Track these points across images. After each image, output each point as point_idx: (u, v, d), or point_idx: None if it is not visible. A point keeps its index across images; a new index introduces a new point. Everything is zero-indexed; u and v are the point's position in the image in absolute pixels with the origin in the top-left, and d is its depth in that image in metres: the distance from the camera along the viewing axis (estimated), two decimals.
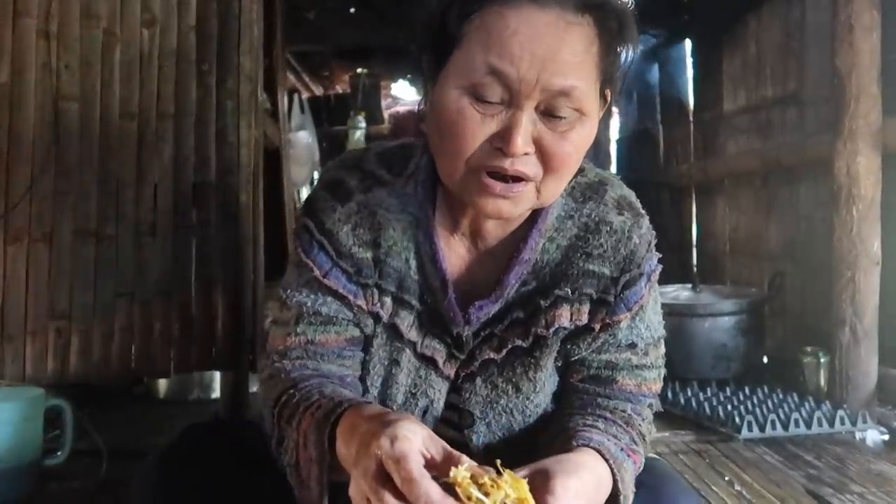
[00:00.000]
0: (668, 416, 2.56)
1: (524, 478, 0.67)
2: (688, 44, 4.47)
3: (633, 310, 0.89)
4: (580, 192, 0.91)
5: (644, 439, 0.91)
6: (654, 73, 4.85)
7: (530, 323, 0.89)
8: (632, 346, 0.92)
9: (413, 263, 0.89)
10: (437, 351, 0.90)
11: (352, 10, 4.46)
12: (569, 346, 0.91)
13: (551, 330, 0.88)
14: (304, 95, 5.60)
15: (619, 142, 5.47)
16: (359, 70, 6.10)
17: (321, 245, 0.88)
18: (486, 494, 0.63)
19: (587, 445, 0.79)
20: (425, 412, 0.92)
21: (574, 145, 0.77)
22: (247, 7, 2.24)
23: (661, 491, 0.86)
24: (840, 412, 2.43)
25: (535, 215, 0.88)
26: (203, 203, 2.17)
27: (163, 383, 2.84)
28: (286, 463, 0.80)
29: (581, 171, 0.92)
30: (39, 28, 2.09)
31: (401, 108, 7.28)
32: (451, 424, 0.94)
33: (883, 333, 2.58)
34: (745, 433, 2.36)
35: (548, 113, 0.75)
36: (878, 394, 2.58)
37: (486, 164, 0.77)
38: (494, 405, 0.92)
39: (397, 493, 0.62)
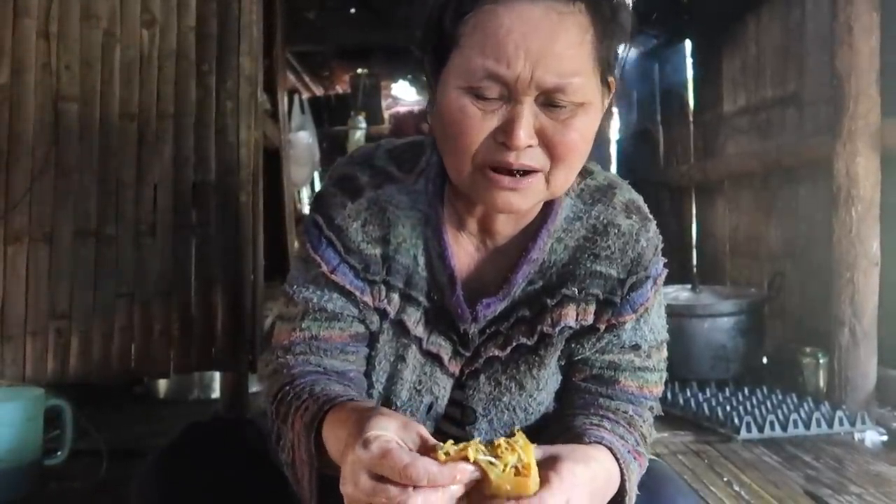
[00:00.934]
0: (667, 417, 2.56)
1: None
2: (688, 44, 4.47)
3: (638, 312, 0.90)
4: (589, 194, 0.91)
5: (646, 441, 0.91)
6: (655, 73, 4.85)
7: (536, 321, 0.89)
8: (635, 347, 0.93)
9: (421, 260, 0.89)
10: (443, 348, 0.91)
11: (352, 10, 4.47)
12: (573, 346, 0.92)
13: (557, 329, 0.89)
14: (305, 96, 5.61)
15: (619, 142, 5.47)
16: (359, 70, 6.11)
17: (330, 241, 0.88)
18: (498, 457, 0.63)
19: (599, 443, 0.80)
20: (429, 409, 0.92)
21: (578, 132, 0.77)
22: (246, 7, 2.24)
23: (659, 492, 0.87)
24: (839, 413, 2.43)
25: (545, 215, 0.88)
26: (203, 203, 2.18)
27: (163, 383, 2.84)
28: (284, 461, 0.81)
29: (590, 173, 0.93)
30: (39, 28, 2.10)
31: (401, 109, 7.29)
32: (454, 421, 0.94)
33: (882, 334, 2.58)
34: (743, 434, 2.36)
35: (548, 104, 0.76)
36: (877, 395, 2.58)
37: (491, 160, 0.77)
38: (497, 402, 0.93)
39: (398, 483, 0.62)
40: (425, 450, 0.65)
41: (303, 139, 4.51)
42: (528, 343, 0.90)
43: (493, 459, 0.63)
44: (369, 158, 0.92)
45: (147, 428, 2.42)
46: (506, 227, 0.89)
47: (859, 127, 2.53)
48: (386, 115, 6.68)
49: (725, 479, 2.03)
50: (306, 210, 4.48)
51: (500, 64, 0.73)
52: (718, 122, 4.03)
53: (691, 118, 4.43)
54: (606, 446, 0.79)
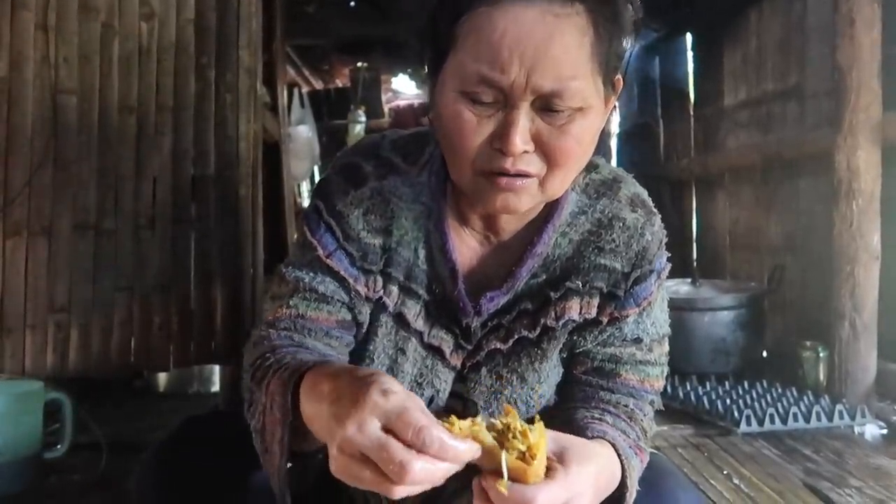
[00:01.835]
0: (667, 410, 2.56)
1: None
2: (688, 38, 4.46)
3: (641, 305, 0.90)
4: (594, 188, 0.91)
5: (646, 436, 0.91)
6: (655, 67, 4.84)
7: (539, 314, 0.89)
8: (637, 341, 0.93)
9: (422, 253, 0.89)
10: (445, 341, 0.91)
11: (352, 3, 4.46)
12: (575, 338, 0.92)
13: (560, 322, 0.89)
14: (304, 89, 5.59)
15: (619, 136, 5.46)
16: (359, 64, 6.09)
17: (329, 226, 0.88)
18: (514, 438, 0.63)
19: (602, 438, 0.80)
20: (430, 401, 0.92)
21: (575, 138, 0.76)
22: (246, 0, 2.23)
23: (659, 485, 0.87)
24: (839, 406, 2.44)
25: (550, 210, 0.88)
26: (202, 197, 2.17)
27: (162, 377, 2.84)
28: (252, 428, 0.79)
29: (595, 167, 0.92)
30: (38, 21, 2.09)
31: (401, 102, 7.28)
32: (455, 414, 0.94)
33: (882, 328, 2.58)
34: (743, 427, 2.36)
35: (545, 108, 0.74)
36: (877, 388, 2.58)
37: (489, 167, 0.76)
38: (499, 395, 0.93)
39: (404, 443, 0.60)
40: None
41: (302, 133, 4.51)
42: (531, 336, 0.90)
43: (498, 446, 0.63)
44: (375, 148, 0.92)
45: (147, 421, 2.42)
46: (510, 223, 0.89)
47: (860, 120, 2.52)
48: (386, 108, 6.67)
49: (725, 473, 2.03)
50: (306, 204, 4.48)
51: (493, 69, 0.72)
52: (719, 116, 4.02)
53: (692, 112, 4.42)
54: (609, 442, 0.79)
